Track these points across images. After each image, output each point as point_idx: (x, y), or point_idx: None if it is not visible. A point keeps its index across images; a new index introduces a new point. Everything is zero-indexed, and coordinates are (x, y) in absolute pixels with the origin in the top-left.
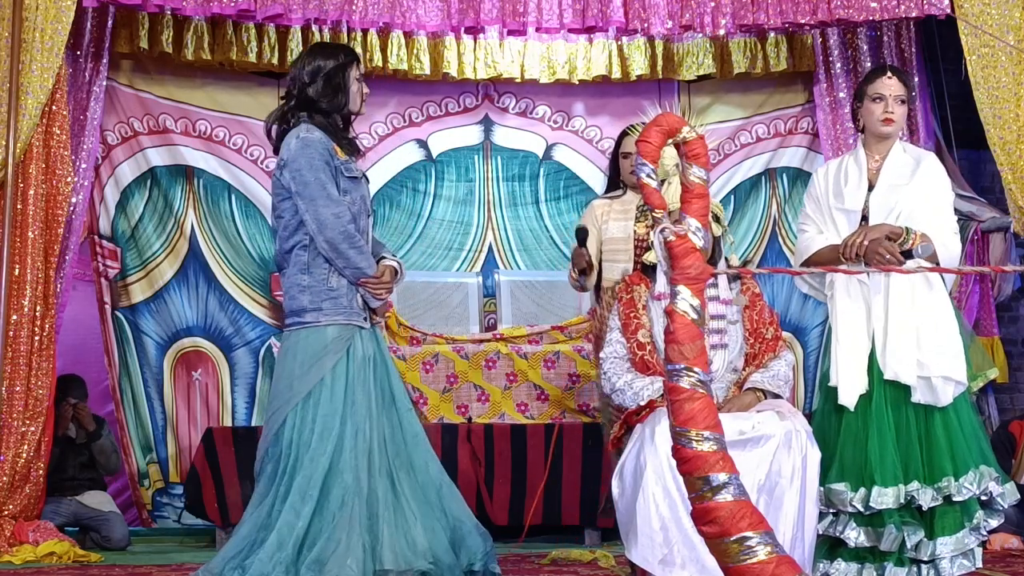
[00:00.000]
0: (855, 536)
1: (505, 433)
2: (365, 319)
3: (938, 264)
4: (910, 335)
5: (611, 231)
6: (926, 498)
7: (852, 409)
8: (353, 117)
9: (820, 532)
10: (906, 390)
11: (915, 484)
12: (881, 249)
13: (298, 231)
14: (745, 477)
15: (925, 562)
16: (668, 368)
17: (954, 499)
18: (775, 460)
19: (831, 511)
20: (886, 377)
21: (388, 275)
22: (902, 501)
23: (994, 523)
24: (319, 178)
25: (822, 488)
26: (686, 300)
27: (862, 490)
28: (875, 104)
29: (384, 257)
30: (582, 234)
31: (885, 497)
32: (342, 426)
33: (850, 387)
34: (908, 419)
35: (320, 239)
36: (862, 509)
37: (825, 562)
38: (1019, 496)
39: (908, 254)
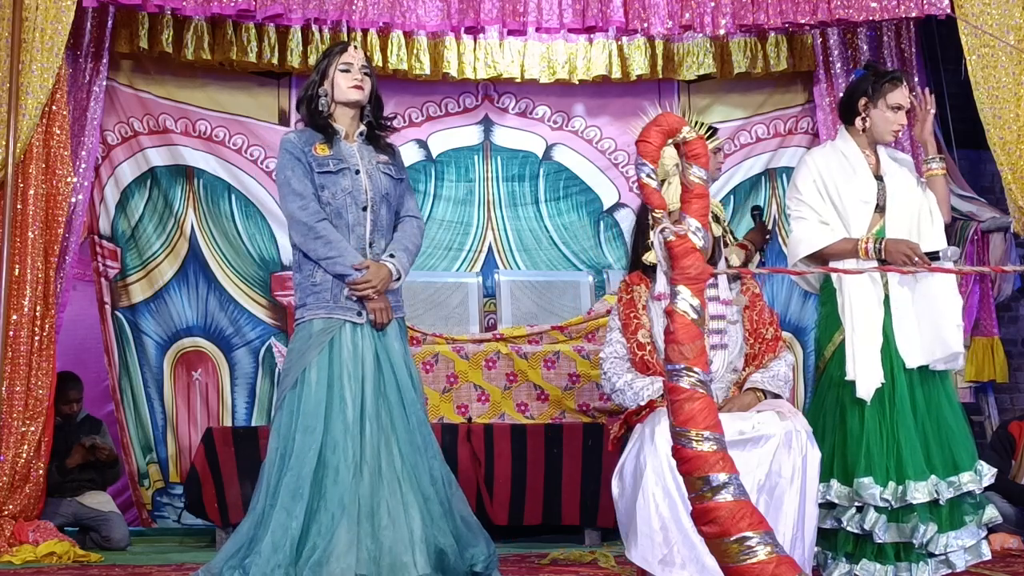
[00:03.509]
0: (882, 531)
1: (505, 433)
2: (359, 314)
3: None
4: (934, 309)
5: None
6: (947, 492)
7: (868, 402)
8: (359, 108)
9: (843, 527)
10: (923, 381)
11: (934, 478)
12: (907, 249)
13: None
14: (745, 477)
15: (935, 555)
16: (668, 368)
17: (966, 492)
18: (775, 460)
19: (855, 505)
20: (909, 366)
21: (372, 273)
22: (935, 495)
23: (994, 515)
24: (285, 176)
25: (828, 482)
26: (686, 300)
27: (892, 484)
28: (893, 113)
29: (383, 256)
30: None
31: (919, 492)
32: (328, 422)
33: (868, 380)
34: (924, 413)
35: (291, 233)
36: (894, 504)
37: (844, 561)
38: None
39: (933, 256)
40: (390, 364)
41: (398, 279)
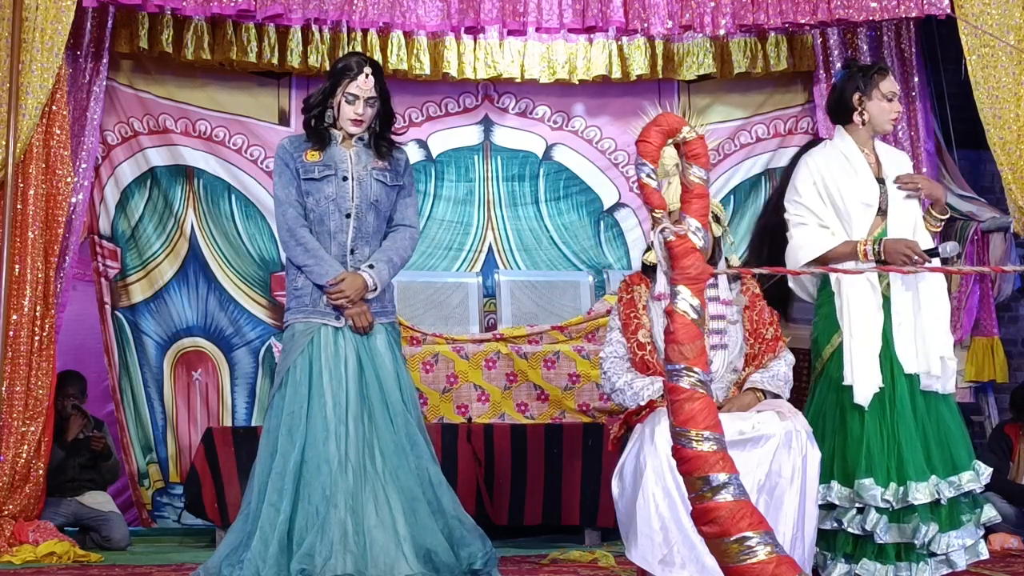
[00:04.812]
0: (883, 532)
1: (505, 433)
2: (337, 318)
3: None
4: (929, 326)
5: None
6: (948, 491)
7: (867, 407)
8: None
9: (844, 528)
10: (918, 383)
11: (935, 478)
12: (905, 248)
13: None
14: (745, 477)
15: (936, 555)
16: (668, 368)
17: (965, 491)
18: (775, 460)
19: (856, 506)
20: (907, 371)
21: (347, 284)
22: (936, 496)
23: (993, 514)
24: (274, 182)
25: (828, 484)
26: (686, 300)
27: (893, 485)
28: (888, 102)
29: (361, 265)
30: None
31: (920, 493)
32: (309, 420)
33: (866, 386)
34: (924, 414)
35: (278, 238)
36: (895, 504)
37: (843, 561)
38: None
39: (932, 253)
40: (373, 367)
41: (374, 290)
